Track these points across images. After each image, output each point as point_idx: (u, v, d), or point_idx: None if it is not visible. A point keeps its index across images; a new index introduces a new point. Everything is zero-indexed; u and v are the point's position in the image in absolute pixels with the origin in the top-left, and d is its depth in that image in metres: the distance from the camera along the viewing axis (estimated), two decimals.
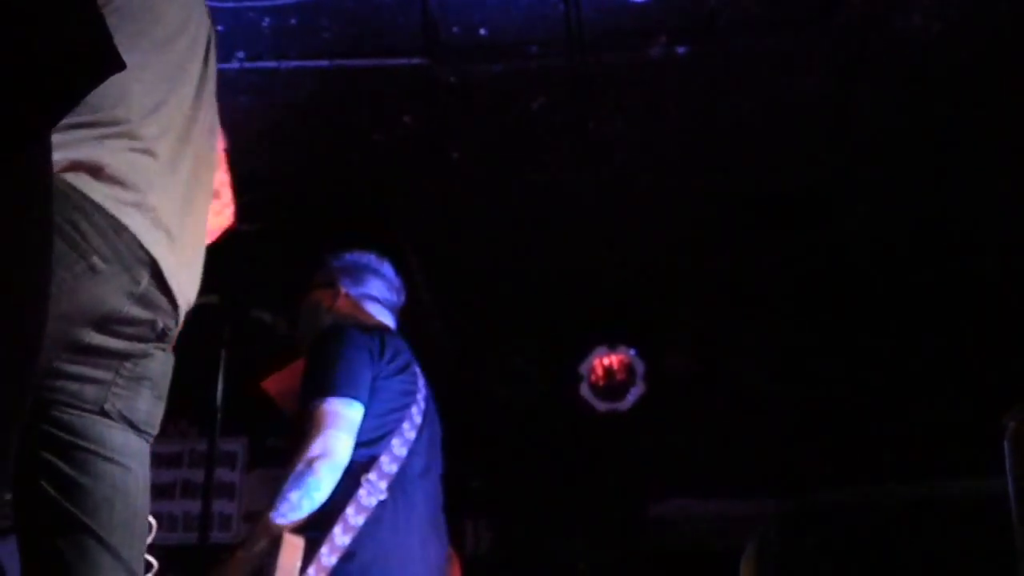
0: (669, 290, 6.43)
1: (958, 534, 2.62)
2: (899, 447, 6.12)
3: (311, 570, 3.02)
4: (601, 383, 6.93)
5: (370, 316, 3.62)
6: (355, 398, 3.18)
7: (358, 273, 3.69)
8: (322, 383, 3.20)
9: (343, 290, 3.64)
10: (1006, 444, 2.06)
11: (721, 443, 6.57)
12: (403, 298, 3.80)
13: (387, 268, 3.76)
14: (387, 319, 3.68)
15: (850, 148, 5.29)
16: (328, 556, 3.06)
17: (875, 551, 2.73)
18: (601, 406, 6.90)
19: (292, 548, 3.01)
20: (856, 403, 6.48)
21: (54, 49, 1.16)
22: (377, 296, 3.68)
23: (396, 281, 3.77)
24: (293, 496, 3.05)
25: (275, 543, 3.01)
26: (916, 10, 4.54)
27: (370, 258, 3.75)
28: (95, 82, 1.25)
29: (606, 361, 6.97)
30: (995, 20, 4.54)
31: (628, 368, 6.93)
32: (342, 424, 3.13)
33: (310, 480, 3.06)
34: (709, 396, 6.80)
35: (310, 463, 3.07)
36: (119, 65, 1.27)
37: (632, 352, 6.96)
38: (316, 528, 3.08)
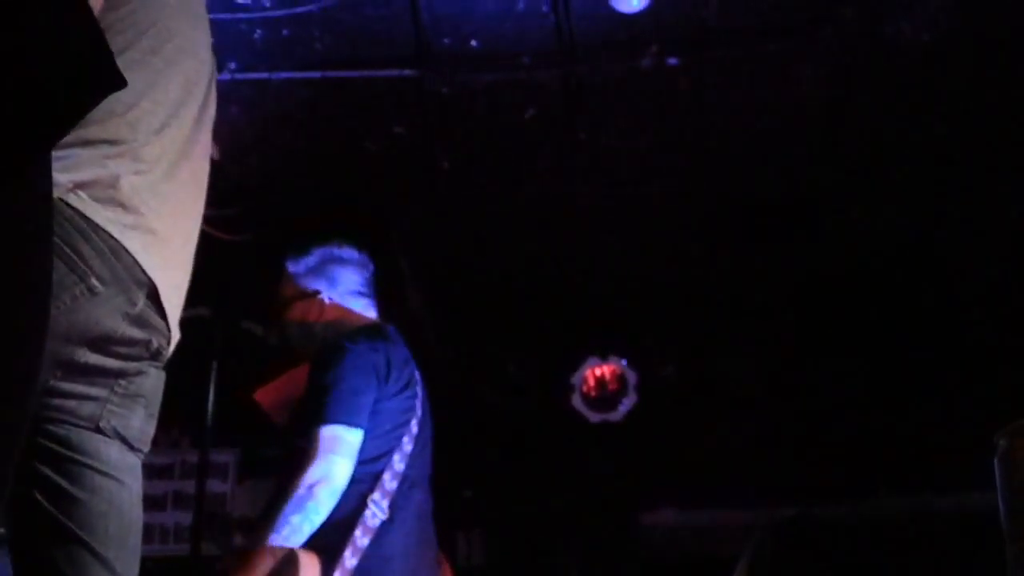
0: (660, 300, 6.42)
1: (949, 548, 2.62)
2: (892, 460, 6.12)
3: None
4: (593, 394, 6.92)
5: (359, 316, 3.61)
6: (356, 425, 3.20)
7: (325, 270, 3.66)
8: (324, 408, 3.20)
9: (323, 297, 3.62)
10: (996, 462, 2.06)
11: (713, 454, 6.57)
12: (372, 266, 3.76)
13: (347, 251, 3.71)
14: (371, 309, 3.66)
15: (842, 157, 5.30)
16: None
17: (867, 564, 2.73)
18: (593, 417, 6.89)
19: (310, 569, 3.02)
20: (849, 415, 6.47)
21: (54, 67, 1.15)
22: (354, 288, 3.66)
23: (360, 256, 3.73)
24: (294, 519, 3.06)
25: (286, 564, 3.01)
26: (906, 20, 4.56)
27: (327, 251, 3.70)
28: (95, 100, 1.24)
29: (598, 372, 6.96)
30: (984, 29, 4.56)
31: (620, 379, 6.92)
32: (342, 449, 3.15)
33: (310, 504, 3.08)
34: (701, 406, 6.80)
35: (310, 487, 3.08)
36: (120, 83, 1.27)
37: (624, 362, 6.95)
38: (326, 550, 3.09)
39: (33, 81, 1.13)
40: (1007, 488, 2.01)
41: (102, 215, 1.90)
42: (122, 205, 1.94)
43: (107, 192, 1.92)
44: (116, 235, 1.91)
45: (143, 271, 1.95)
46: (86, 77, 1.22)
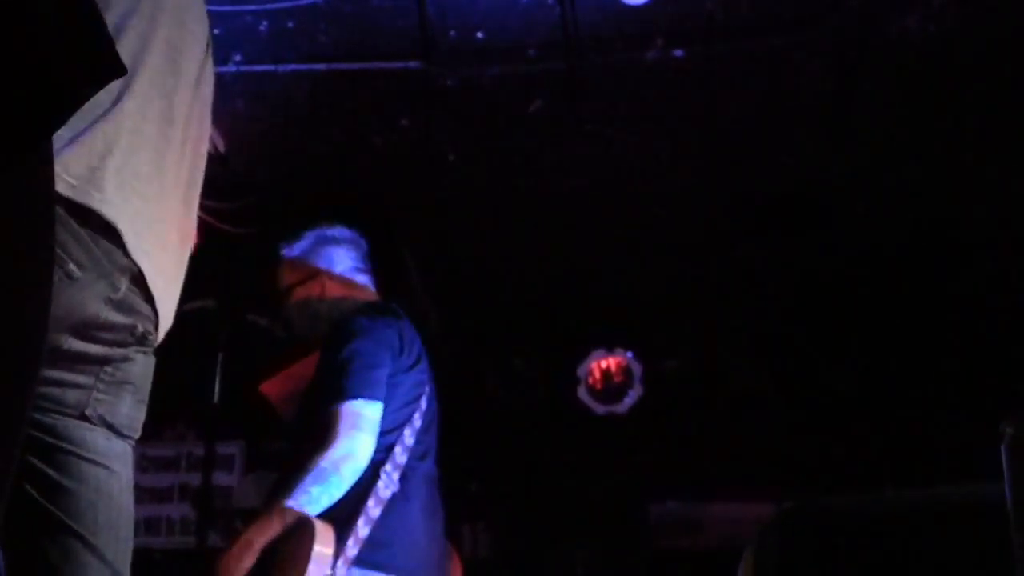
0: (666, 292, 6.42)
1: (956, 539, 2.62)
2: (898, 451, 6.12)
3: (339, 562, 3.04)
4: (599, 386, 6.93)
5: (363, 290, 3.62)
6: (375, 398, 3.21)
7: (320, 252, 3.67)
8: (344, 384, 3.21)
9: (325, 275, 3.62)
10: (1003, 450, 2.05)
11: (718, 446, 6.57)
12: (365, 241, 3.77)
13: (338, 230, 3.72)
14: (370, 282, 3.67)
15: (847, 150, 5.29)
16: (352, 548, 3.08)
17: (873, 556, 2.72)
18: (599, 409, 6.90)
19: (326, 538, 3.02)
20: (855, 406, 6.48)
21: (55, 53, 1.14)
22: (352, 264, 3.67)
23: (352, 234, 3.74)
24: (314, 490, 3.06)
25: (303, 528, 3.01)
26: (912, 12, 4.55)
27: (319, 233, 3.71)
28: (97, 87, 1.24)
29: (604, 364, 6.96)
30: (990, 22, 4.55)
31: (626, 371, 6.93)
32: (365, 425, 3.16)
33: (333, 478, 3.08)
34: (707, 399, 6.80)
35: (336, 463, 3.09)
36: (120, 70, 1.26)
37: (629, 355, 6.96)
38: (338, 520, 3.09)
39: (34, 68, 1.12)
40: (1014, 476, 2.01)
41: (80, 198, 1.88)
42: (102, 186, 1.91)
43: (86, 172, 1.89)
44: (94, 218, 1.89)
45: (125, 254, 1.93)
46: (87, 64, 1.21)
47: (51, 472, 1.91)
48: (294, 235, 3.73)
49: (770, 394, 6.71)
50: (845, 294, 6.31)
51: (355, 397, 3.18)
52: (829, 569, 2.75)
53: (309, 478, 3.07)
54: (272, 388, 3.68)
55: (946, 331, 6.20)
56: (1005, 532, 2.04)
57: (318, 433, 3.15)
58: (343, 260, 3.66)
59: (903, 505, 2.77)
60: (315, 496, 3.07)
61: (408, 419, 3.34)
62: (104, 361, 1.96)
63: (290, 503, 3.05)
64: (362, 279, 3.66)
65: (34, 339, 1.29)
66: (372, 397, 3.20)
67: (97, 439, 1.96)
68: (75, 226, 1.86)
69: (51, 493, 1.91)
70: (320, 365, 3.36)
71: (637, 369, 6.92)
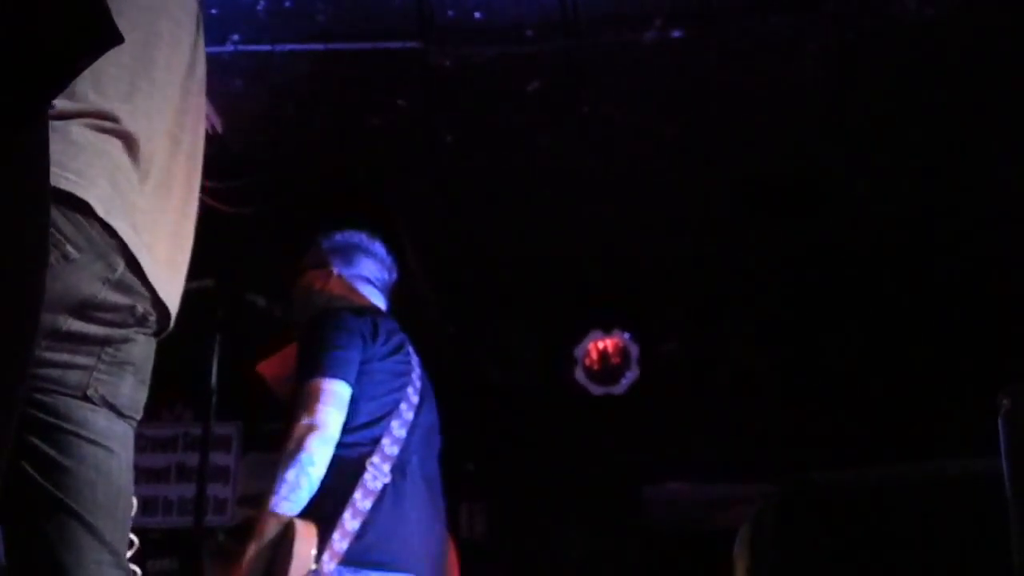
0: (663, 274, 6.42)
1: (954, 513, 2.63)
2: (894, 429, 6.14)
3: (325, 556, 3.06)
4: (596, 367, 6.94)
5: (363, 297, 3.64)
6: (337, 376, 3.22)
7: (349, 253, 3.71)
8: (311, 364, 3.25)
9: (335, 271, 3.66)
10: (1001, 422, 2.06)
11: (715, 426, 6.58)
12: (395, 275, 3.82)
13: (377, 247, 3.77)
14: (379, 300, 3.70)
15: (845, 133, 5.29)
16: (340, 541, 3.09)
17: (870, 531, 2.74)
18: (596, 390, 6.91)
19: (306, 537, 3.03)
20: (851, 385, 6.49)
21: (51, 20, 1.14)
22: (369, 277, 3.70)
23: (387, 259, 3.79)
24: (289, 476, 3.08)
25: (286, 531, 3.03)
26: None
27: (360, 237, 3.76)
28: (94, 55, 1.23)
29: (601, 345, 6.97)
30: (989, 5, 4.54)
31: (623, 352, 6.94)
32: (326, 398, 3.17)
33: (303, 456, 3.09)
34: (703, 380, 6.81)
35: (301, 440, 3.11)
36: (117, 38, 1.25)
37: (627, 336, 6.96)
38: (325, 513, 3.11)
39: (30, 33, 1.12)
40: (1011, 447, 2.03)
41: (73, 182, 1.89)
42: (80, 171, 1.91)
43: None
44: (85, 199, 1.90)
45: (116, 236, 1.94)
46: (84, 30, 1.20)
47: (50, 451, 1.92)
48: (336, 228, 3.78)
49: (767, 376, 6.72)
50: (843, 275, 6.31)
51: (316, 376, 3.20)
52: (825, 544, 2.77)
53: (283, 465, 3.11)
54: (268, 368, 3.70)
55: (943, 309, 6.21)
56: (1003, 504, 2.05)
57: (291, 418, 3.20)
58: (362, 267, 3.70)
59: (899, 479, 2.78)
60: (293, 481, 3.08)
61: (395, 410, 3.33)
62: (105, 342, 1.97)
63: (273, 499, 3.07)
64: (367, 290, 3.68)
65: (28, 316, 1.29)
66: (334, 376, 3.21)
67: (98, 419, 1.97)
68: (68, 209, 1.87)
69: (50, 472, 1.92)
70: (298, 354, 3.40)
71: (634, 350, 6.93)
